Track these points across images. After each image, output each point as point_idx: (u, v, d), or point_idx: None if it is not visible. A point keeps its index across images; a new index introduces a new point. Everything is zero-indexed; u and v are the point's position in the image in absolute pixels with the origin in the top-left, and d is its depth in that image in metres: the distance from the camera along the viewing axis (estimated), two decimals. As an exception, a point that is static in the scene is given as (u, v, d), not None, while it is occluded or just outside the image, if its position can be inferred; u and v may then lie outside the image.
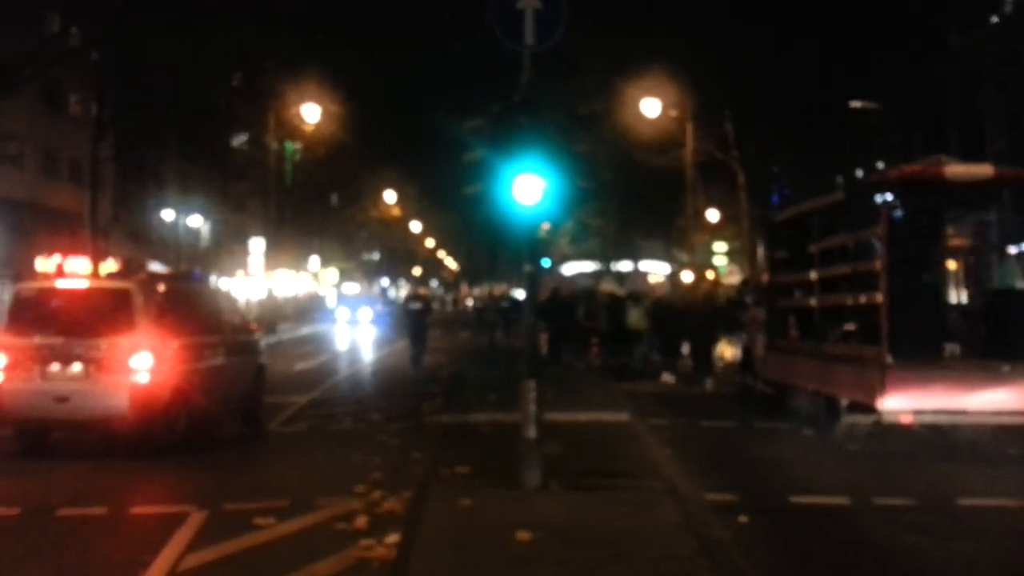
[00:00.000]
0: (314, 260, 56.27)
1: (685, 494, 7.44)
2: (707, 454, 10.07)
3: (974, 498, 7.69)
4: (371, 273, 73.12)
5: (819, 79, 30.17)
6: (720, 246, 36.46)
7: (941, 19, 30.95)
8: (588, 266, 49.12)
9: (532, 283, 7.86)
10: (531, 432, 7.27)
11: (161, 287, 10.48)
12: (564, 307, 20.49)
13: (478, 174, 7.90)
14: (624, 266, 45.69)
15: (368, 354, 26.12)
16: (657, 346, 18.43)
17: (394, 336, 34.30)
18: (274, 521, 6.75)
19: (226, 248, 46.06)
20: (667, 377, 16.81)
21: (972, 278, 12.33)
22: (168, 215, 39.72)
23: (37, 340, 9.33)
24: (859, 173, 32.08)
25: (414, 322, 19.94)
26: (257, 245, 44.74)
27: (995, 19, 32.88)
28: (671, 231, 40.92)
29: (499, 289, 45.22)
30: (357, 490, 7.56)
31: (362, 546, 6.08)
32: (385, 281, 78.62)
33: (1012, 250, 12.20)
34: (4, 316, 9.93)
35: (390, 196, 59.90)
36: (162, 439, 9.41)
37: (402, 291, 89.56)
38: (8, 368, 9.28)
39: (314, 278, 58.27)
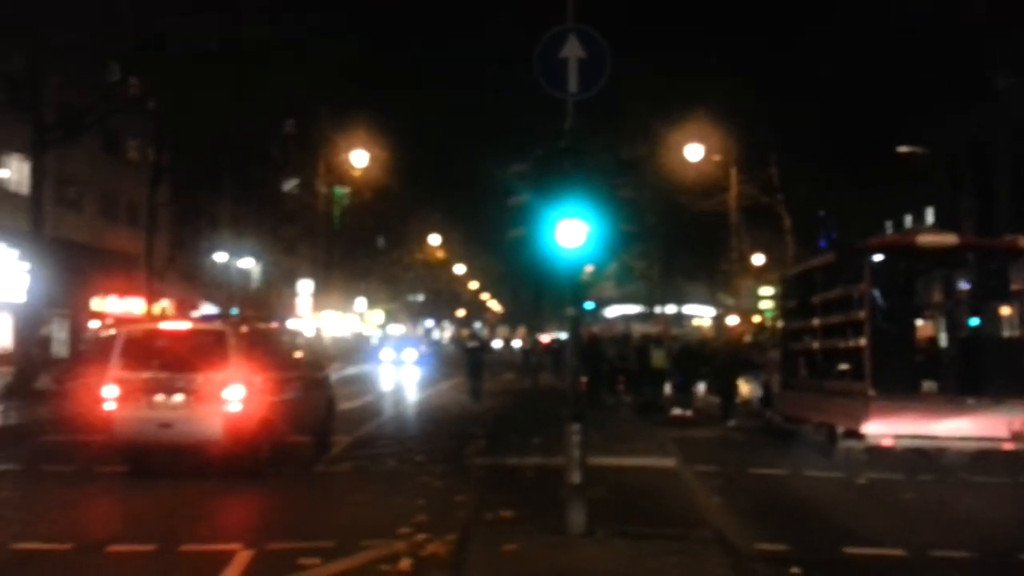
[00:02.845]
0: (360, 301, 57.05)
1: (735, 543, 7.29)
2: (757, 502, 9.87)
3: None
4: (415, 314, 73.77)
5: (867, 122, 29.94)
6: (766, 290, 36.05)
7: (989, 63, 30.56)
8: (631, 309, 48.86)
9: (575, 326, 7.87)
10: (576, 477, 7.21)
11: (249, 329, 11.73)
12: (599, 349, 21.74)
13: (522, 218, 7.99)
14: (668, 309, 45.39)
15: (412, 395, 26.22)
16: (677, 384, 19.83)
17: (438, 377, 34.46)
18: (319, 562, 6.78)
19: (276, 289, 47.00)
20: (679, 411, 18.16)
21: (948, 327, 14.12)
22: (221, 257, 40.74)
23: (144, 374, 10.62)
24: (908, 219, 31.54)
25: (473, 359, 22.58)
26: (306, 287, 45.54)
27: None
28: (715, 275, 40.65)
29: (520, 332, 45.33)
30: (401, 532, 7.56)
31: (406, 589, 6.08)
32: (429, 322, 79.19)
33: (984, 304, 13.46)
34: (115, 353, 10.99)
35: (435, 239, 60.69)
36: (249, 463, 10.51)
37: (446, 333, 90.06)
38: (120, 398, 10.55)
39: (360, 319, 58.99)
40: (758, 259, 36.26)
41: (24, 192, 26.84)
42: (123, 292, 34.82)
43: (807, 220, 32.59)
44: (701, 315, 49.08)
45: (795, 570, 6.78)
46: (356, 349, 50.07)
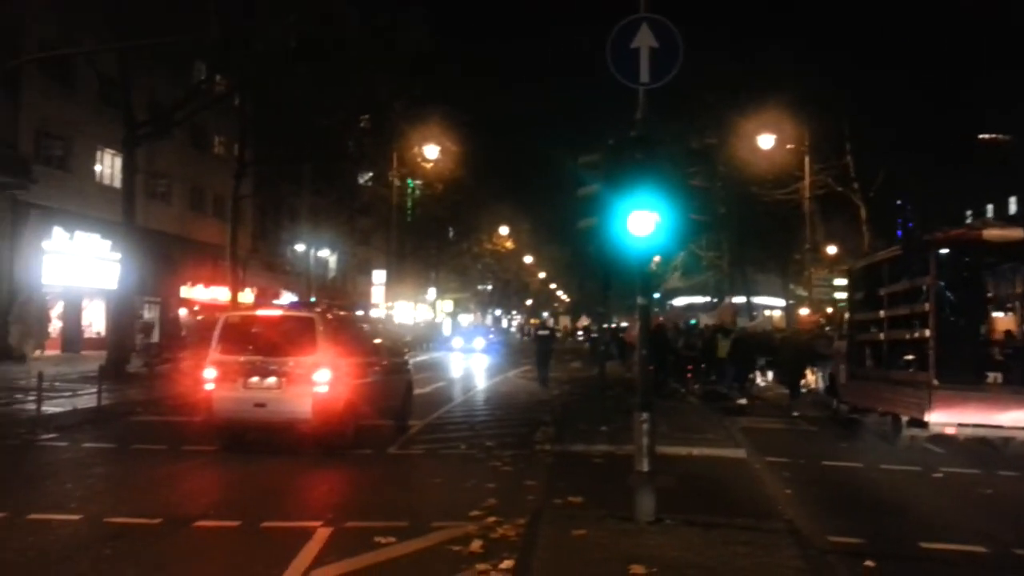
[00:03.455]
0: (431, 291, 57.88)
1: (807, 536, 7.24)
2: (830, 495, 9.73)
3: None
4: (484, 304, 74.37)
5: (949, 109, 28.79)
6: (841, 281, 35.13)
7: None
8: (698, 300, 48.22)
9: (645, 315, 7.92)
10: (644, 464, 7.28)
11: (335, 316, 12.45)
12: (666, 339, 21.97)
13: (592, 208, 8.05)
14: (737, 300, 44.63)
15: (481, 381, 26.56)
16: (732, 374, 20.16)
17: (505, 364, 34.76)
18: (394, 540, 7.00)
19: (351, 279, 48.11)
20: (736, 400, 18.31)
21: (1018, 320, 14.23)
22: (300, 247, 41.93)
23: (241, 357, 11.36)
24: (989, 207, 30.17)
25: (542, 347, 23.86)
26: (379, 276, 46.42)
27: None
28: (787, 265, 39.71)
29: (580, 322, 45.18)
30: (472, 514, 7.74)
31: (478, 570, 6.24)
32: (498, 311, 79.74)
33: None
34: (214, 338, 11.76)
35: (504, 230, 61.04)
36: (335, 442, 11.17)
37: (514, 322, 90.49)
38: (218, 380, 11.34)
39: (431, 308, 59.87)
40: (832, 250, 35.30)
41: (116, 185, 28.25)
42: (209, 281, 36.33)
43: (884, 209, 31.58)
44: (772, 306, 47.99)
45: (869, 563, 6.68)
46: (427, 337, 50.86)
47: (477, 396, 21.47)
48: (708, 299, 46.33)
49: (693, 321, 32.92)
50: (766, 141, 27.94)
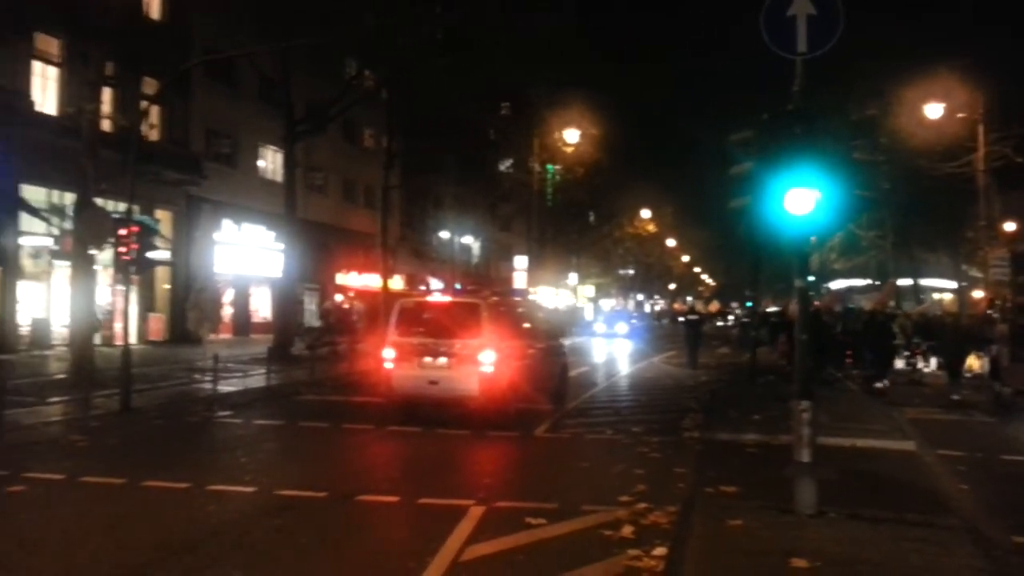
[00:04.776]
0: (572, 276, 57.93)
1: (988, 535, 6.68)
2: (1013, 492, 8.95)
3: None
4: (626, 288, 73.63)
5: None
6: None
7: None
8: (858, 282, 45.53)
9: (804, 298, 7.53)
10: (805, 455, 6.94)
11: (498, 301, 13.55)
12: (822, 324, 20.86)
13: (745, 187, 7.72)
14: (903, 282, 41.71)
15: (624, 366, 26.34)
16: (870, 358, 19.60)
17: (649, 349, 34.29)
18: (545, 522, 7.08)
19: (494, 265, 49.00)
20: (878, 384, 17.87)
21: None
22: (444, 235, 43.14)
23: (415, 340, 12.48)
24: None
25: (690, 331, 24.67)
26: (521, 262, 46.95)
27: None
28: (959, 244, 36.66)
29: (713, 306, 43.65)
30: (621, 500, 7.69)
31: (630, 555, 6.19)
32: (640, 296, 78.77)
33: None
34: (391, 322, 12.98)
35: (646, 213, 60.06)
36: (499, 418, 11.99)
37: (657, 306, 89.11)
38: (396, 359, 12.49)
39: (572, 293, 59.96)
40: (1011, 226, 32.23)
41: (278, 179, 30.11)
42: (362, 268, 38.11)
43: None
44: (942, 288, 44.54)
45: (1062, 569, 6.10)
46: (568, 322, 51.03)
47: (621, 381, 21.31)
48: (869, 281, 43.64)
49: (851, 305, 31.18)
50: (934, 110, 25.85)
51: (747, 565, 5.80)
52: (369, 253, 36.14)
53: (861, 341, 21.09)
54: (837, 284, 45.56)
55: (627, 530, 6.80)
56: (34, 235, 23.11)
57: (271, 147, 33.02)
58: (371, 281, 35.81)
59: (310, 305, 36.48)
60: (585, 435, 11.90)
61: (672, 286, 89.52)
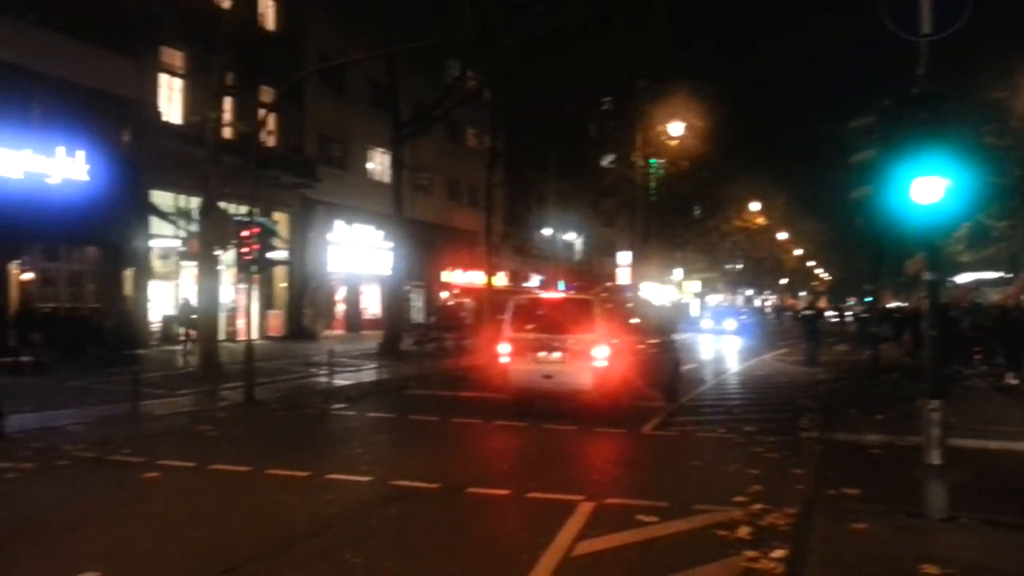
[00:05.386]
0: (677, 271, 56.92)
1: None
2: None
3: None
4: (734, 283, 71.73)
5: None
6: None
7: None
8: (989, 275, 42.69)
9: (933, 293, 7.13)
10: (935, 457, 6.58)
11: (610, 298, 13.74)
12: (950, 318, 19.73)
13: (866, 176, 7.38)
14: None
15: (734, 364, 25.68)
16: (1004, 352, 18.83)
17: (760, 347, 33.28)
18: (656, 520, 6.98)
19: (596, 261, 48.76)
20: (1010, 379, 17.23)
21: None
22: (547, 231, 43.25)
23: (530, 335, 12.80)
24: None
25: (808, 326, 24.35)
26: (624, 258, 46.52)
27: None
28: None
29: (821, 302, 41.69)
30: (736, 500, 7.50)
31: (747, 557, 6.03)
32: (749, 291, 76.58)
33: None
34: (507, 317, 13.32)
35: (755, 205, 58.30)
36: (612, 412, 12.12)
37: (767, 302, 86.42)
38: (512, 354, 12.85)
39: (677, 288, 58.92)
40: None
41: (386, 181, 30.96)
42: (466, 265, 38.73)
43: None
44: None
45: None
46: (674, 318, 50.13)
47: (731, 379, 20.78)
48: (999, 274, 40.87)
49: (979, 300, 29.33)
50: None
51: (874, 570, 5.56)
52: (473, 251, 36.67)
53: (992, 336, 19.93)
54: (965, 277, 42.90)
55: (743, 531, 6.63)
56: (163, 237, 24.64)
57: (379, 149, 33.99)
58: (475, 278, 36.31)
59: (417, 302, 37.37)
60: (695, 433, 11.68)
61: (783, 281, 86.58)
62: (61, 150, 20.42)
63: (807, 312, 26.82)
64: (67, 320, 20.63)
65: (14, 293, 20.10)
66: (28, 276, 20.71)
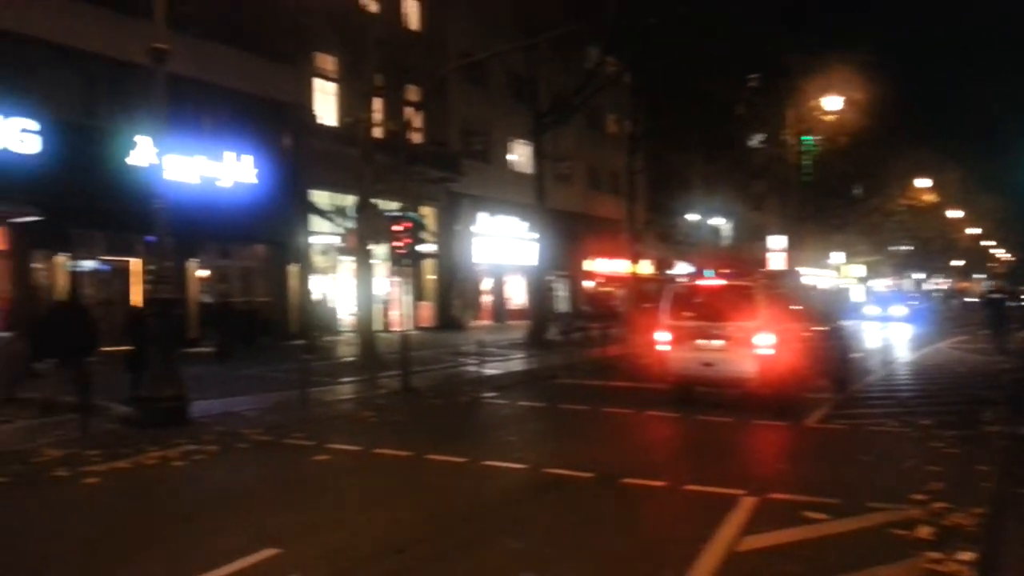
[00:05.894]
0: (838, 255, 53.85)
1: None
2: None
3: None
4: (900, 266, 67.00)
5: None
6: None
7: None
8: None
9: None
10: None
11: (773, 284, 13.23)
12: None
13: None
14: None
15: (904, 352, 23.94)
16: None
17: (933, 334, 30.90)
18: (825, 517, 6.56)
19: (746, 246, 46.95)
20: None
21: None
22: (692, 217, 42.11)
23: (689, 322, 12.57)
24: None
25: (993, 311, 23.72)
26: (777, 242, 44.59)
27: None
28: None
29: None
30: (914, 498, 6.94)
31: (929, 558, 5.54)
32: (918, 275, 71.35)
33: None
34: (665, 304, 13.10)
35: (924, 182, 54.05)
36: (778, 400, 11.76)
37: (940, 285, 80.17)
38: (672, 342, 12.65)
39: (837, 273, 55.77)
40: None
41: (528, 172, 31.16)
42: (609, 254, 38.41)
43: None
44: None
45: None
46: (836, 304, 47.52)
47: (902, 368, 19.39)
48: None
49: None
50: None
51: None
52: (615, 239, 36.26)
53: None
54: None
55: (924, 531, 6.10)
56: (322, 234, 26.01)
57: (520, 141, 34.26)
58: (618, 267, 35.89)
59: (560, 292, 37.45)
60: (864, 426, 10.92)
61: (957, 263, 79.99)
62: (230, 155, 21.98)
63: (993, 295, 25.61)
64: (241, 313, 22.24)
65: (192, 289, 21.87)
66: (204, 273, 22.49)
